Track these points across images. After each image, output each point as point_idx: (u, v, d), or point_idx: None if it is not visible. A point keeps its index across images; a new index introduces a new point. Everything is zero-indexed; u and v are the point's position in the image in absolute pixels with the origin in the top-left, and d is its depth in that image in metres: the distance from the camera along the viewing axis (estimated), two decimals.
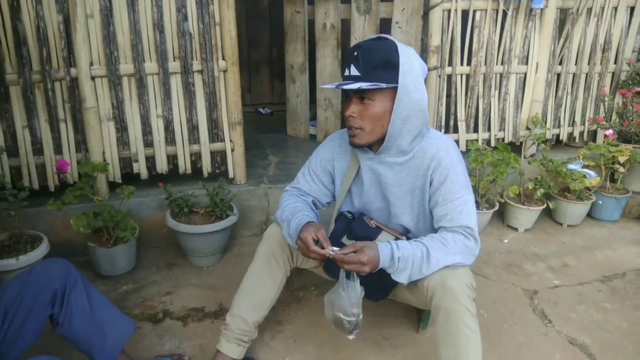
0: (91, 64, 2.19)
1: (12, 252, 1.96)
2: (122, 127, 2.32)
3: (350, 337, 1.46)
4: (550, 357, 1.81)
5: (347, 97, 1.44)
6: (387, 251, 1.35)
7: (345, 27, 3.14)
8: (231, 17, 2.30)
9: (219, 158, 2.53)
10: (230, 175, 2.55)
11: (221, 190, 2.30)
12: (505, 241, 2.69)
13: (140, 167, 2.38)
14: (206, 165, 2.50)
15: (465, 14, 2.75)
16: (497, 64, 2.86)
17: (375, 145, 1.50)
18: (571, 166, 2.69)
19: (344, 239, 1.54)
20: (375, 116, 1.40)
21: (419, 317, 1.91)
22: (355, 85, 1.35)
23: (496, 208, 2.71)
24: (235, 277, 2.22)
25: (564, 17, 2.89)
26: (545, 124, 2.99)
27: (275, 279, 1.66)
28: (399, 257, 1.35)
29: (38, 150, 2.23)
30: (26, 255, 1.91)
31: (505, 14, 2.76)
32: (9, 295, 1.35)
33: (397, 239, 1.51)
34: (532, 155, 2.96)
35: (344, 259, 1.34)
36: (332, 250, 1.37)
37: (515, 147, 2.97)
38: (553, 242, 2.68)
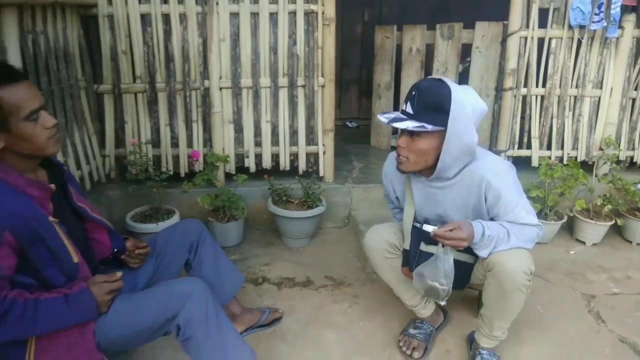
0: (220, 77, 2.70)
1: (153, 219, 2.47)
2: (238, 129, 2.80)
3: (443, 302, 1.64)
4: (599, 350, 1.94)
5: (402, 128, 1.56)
6: (479, 229, 1.53)
7: (429, 51, 3.42)
8: (331, 42, 2.71)
9: (312, 159, 2.93)
10: (321, 174, 2.93)
11: (313, 184, 2.68)
12: (572, 252, 2.78)
13: (250, 162, 2.84)
14: (302, 164, 2.90)
15: (541, 40, 2.94)
16: (571, 87, 3.00)
17: (426, 173, 1.63)
18: None
19: (422, 246, 1.73)
20: (420, 151, 1.52)
21: (479, 305, 2.13)
22: (403, 125, 1.48)
23: (564, 220, 2.81)
24: (320, 258, 2.60)
25: None
26: (619, 145, 3.06)
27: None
28: (488, 235, 1.53)
29: (174, 143, 2.77)
30: (164, 222, 2.41)
31: (580, 42, 2.91)
32: (160, 242, 1.80)
33: None
34: (604, 175, 3.03)
35: (446, 235, 1.50)
36: (432, 229, 1.54)
37: (588, 167, 3.06)
38: (619, 257, 2.73)
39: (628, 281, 2.47)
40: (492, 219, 1.63)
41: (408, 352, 1.86)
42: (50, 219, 1.39)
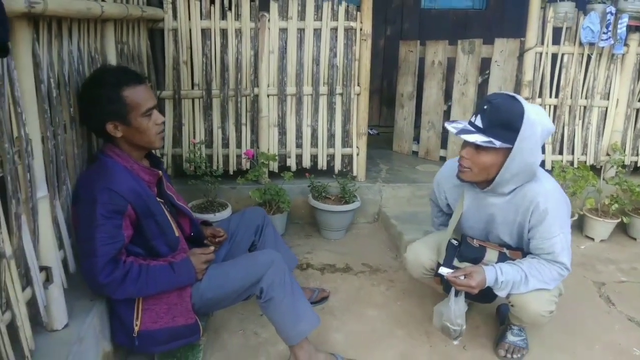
0: (268, 85, 2.96)
1: (209, 211, 2.71)
2: (282, 132, 3.06)
3: (455, 342, 1.77)
4: (610, 327, 2.16)
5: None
6: (492, 275, 1.60)
7: (450, 63, 3.67)
8: (367, 55, 2.98)
9: (346, 160, 3.18)
10: (354, 173, 3.18)
11: (349, 181, 2.94)
12: (582, 247, 3.01)
13: (292, 162, 3.09)
14: (337, 164, 3.15)
15: (554, 55, 3.20)
16: (581, 98, 3.26)
17: (482, 184, 1.65)
18: None
19: (455, 262, 1.73)
20: (483, 164, 1.54)
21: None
22: (472, 138, 1.49)
23: (575, 218, 3.03)
24: (356, 248, 2.85)
25: None
26: (624, 151, 3.30)
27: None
28: (502, 281, 1.61)
29: (225, 144, 3.02)
30: (220, 213, 2.66)
31: (589, 57, 3.17)
32: (232, 225, 2.05)
33: (500, 252, 1.72)
34: (612, 177, 3.27)
35: (456, 282, 1.59)
36: (446, 272, 1.64)
37: (596, 170, 3.29)
38: (625, 252, 2.95)
39: (634, 271, 2.69)
40: (529, 240, 1.68)
41: None
42: (158, 199, 1.64)
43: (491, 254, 1.72)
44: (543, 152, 1.74)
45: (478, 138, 1.50)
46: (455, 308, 1.67)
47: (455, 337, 1.74)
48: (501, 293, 1.65)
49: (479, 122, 1.51)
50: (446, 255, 1.75)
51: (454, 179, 1.72)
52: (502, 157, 1.53)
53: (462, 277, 1.61)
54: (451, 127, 1.57)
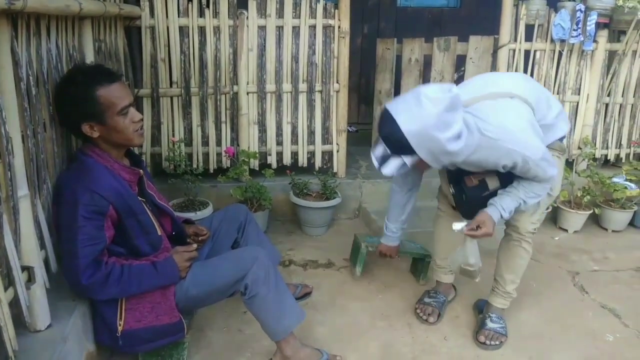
0: (247, 83, 2.97)
1: (190, 209, 2.71)
2: (262, 129, 3.07)
3: (477, 279, 1.91)
4: (584, 314, 2.26)
5: None
6: (497, 216, 1.78)
7: (427, 61, 3.74)
8: (346, 52, 3.02)
9: (327, 156, 3.21)
10: (335, 170, 3.21)
11: (330, 178, 2.97)
12: (556, 238, 3.11)
13: (272, 160, 3.11)
14: (318, 161, 3.18)
15: (527, 52, 3.30)
16: (553, 94, 3.35)
17: None
18: (615, 179, 3.10)
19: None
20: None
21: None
22: (390, 170, 1.58)
23: (549, 210, 3.12)
24: (338, 244, 2.88)
25: (611, 57, 3.36)
26: (595, 145, 3.42)
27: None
28: (506, 216, 1.81)
29: (205, 142, 3.02)
30: (201, 212, 2.65)
31: (560, 54, 3.28)
32: (214, 222, 2.06)
33: (497, 174, 1.82)
34: (583, 170, 3.39)
35: (476, 234, 1.78)
36: (460, 227, 1.81)
37: (569, 164, 3.41)
38: (597, 242, 3.06)
39: (606, 260, 2.81)
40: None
41: (424, 317, 2.15)
42: (139, 198, 1.64)
43: (492, 182, 1.85)
44: None
45: (394, 168, 1.57)
46: (474, 250, 1.84)
47: (477, 275, 1.89)
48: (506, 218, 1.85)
49: (386, 151, 1.58)
50: (462, 211, 1.96)
51: None
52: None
53: (476, 228, 1.78)
54: (378, 165, 1.63)
